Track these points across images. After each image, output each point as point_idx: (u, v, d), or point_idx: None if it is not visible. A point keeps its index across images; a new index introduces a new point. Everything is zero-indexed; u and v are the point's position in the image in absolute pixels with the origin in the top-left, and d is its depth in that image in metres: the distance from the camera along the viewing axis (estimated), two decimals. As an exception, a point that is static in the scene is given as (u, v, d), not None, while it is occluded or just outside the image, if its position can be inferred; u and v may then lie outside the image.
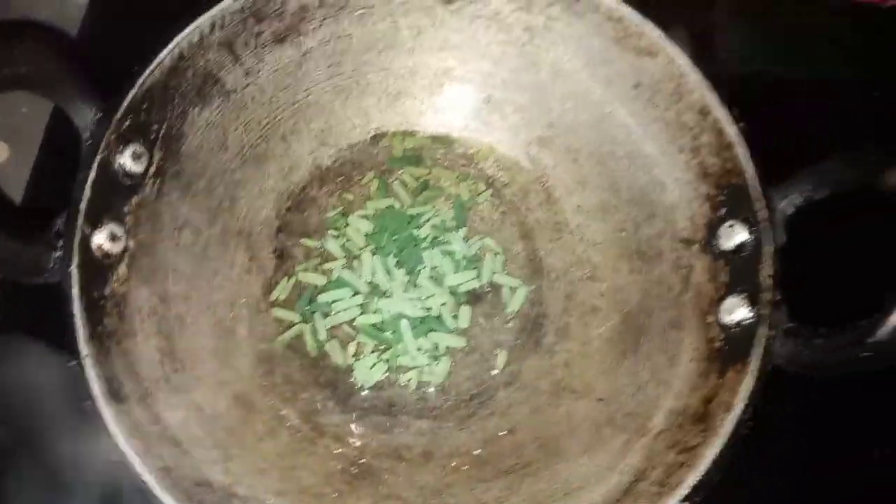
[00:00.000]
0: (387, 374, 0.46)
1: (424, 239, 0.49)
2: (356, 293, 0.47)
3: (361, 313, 0.47)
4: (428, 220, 0.49)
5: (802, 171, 0.36)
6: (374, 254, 0.48)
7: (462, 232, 0.49)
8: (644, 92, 0.44)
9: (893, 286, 0.32)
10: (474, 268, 0.48)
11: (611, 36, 0.43)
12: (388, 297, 0.47)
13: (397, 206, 0.49)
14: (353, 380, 0.46)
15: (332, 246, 0.48)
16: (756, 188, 0.38)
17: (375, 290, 0.47)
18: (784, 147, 0.45)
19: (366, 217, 0.49)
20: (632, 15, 0.42)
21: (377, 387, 0.46)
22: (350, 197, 0.50)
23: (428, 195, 0.50)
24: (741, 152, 0.39)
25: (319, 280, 0.47)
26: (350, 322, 0.47)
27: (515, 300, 0.48)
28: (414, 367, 0.46)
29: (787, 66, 0.61)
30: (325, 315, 0.47)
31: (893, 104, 0.59)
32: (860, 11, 0.64)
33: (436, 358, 0.46)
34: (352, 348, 0.46)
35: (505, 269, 0.49)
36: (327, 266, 0.48)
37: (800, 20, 0.63)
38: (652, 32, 0.41)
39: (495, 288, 0.48)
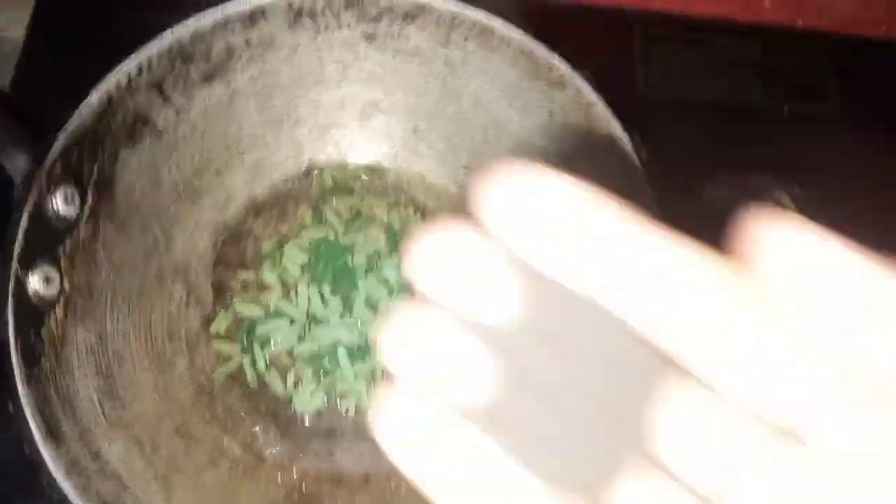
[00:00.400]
0: (326, 401, 0.47)
1: (359, 267, 0.50)
2: (293, 322, 0.49)
3: (299, 342, 0.48)
4: (361, 249, 0.51)
5: (692, 196, 0.39)
6: (309, 283, 0.49)
7: (395, 259, 0.51)
8: (557, 120, 0.46)
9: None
10: (408, 293, 0.50)
11: (524, 68, 0.46)
12: (325, 325, 0.48)
13: (331, 236, 0.51)
14: (293, 408, 0.47)
15: (269, 277, 0.50)
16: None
17: (312, 319, 0.49)
18: (682, 168, 0.48)
19: (301, 247, 0.51)
20: (541, 49, 0.44)
21: (317, 414, 0.47)
22: (284, 228, 0.51)
23: (360, 224, 0.52)
24: (644, 180, 0.42)
25: (257, 311, 0.49)
26: (288, 351, 0.48)
27: None
28: (352, 393, 0.47)
29: (701, 91, 0.65)
30: (264, 345, 0.48)
31: (797, 126, 0.63)
32: (769, 34, 0.68)
33: (374, 382, 0.48)
34: (291, 377, 0.48)
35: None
36: (264, 297, 0.49)
37: (713, 46, 0.67)
38: (560, 65, 0.44)
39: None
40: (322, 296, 0.49)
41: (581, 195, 0.16)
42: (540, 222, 0.16)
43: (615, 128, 0.43)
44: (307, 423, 0.47)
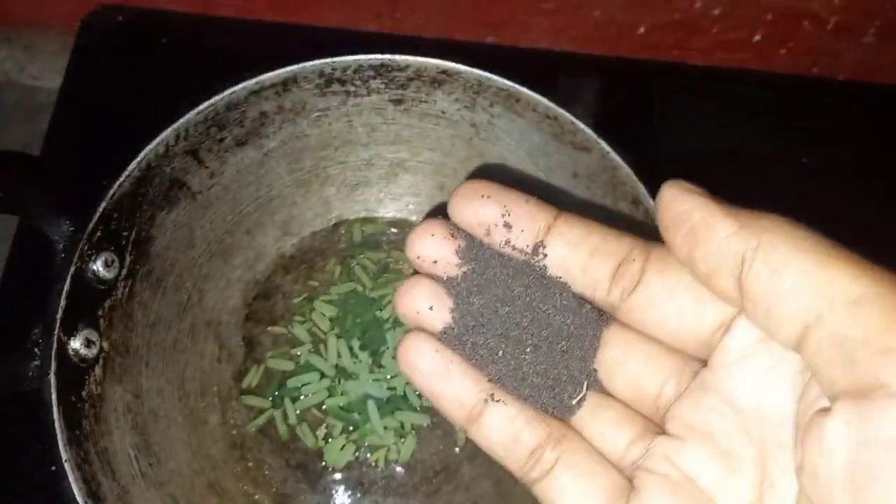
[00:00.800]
0: (356, 455, 0.48)
1: (387, 320, 0.51)
2: (323, 376, 0.49)
3: (329, 396, 0.49)
4: (390, 302, 0.52)
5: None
6: (339, 337, 0.50)
7: None
8: (582, 181, 0.47)
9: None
10: None
11: (549, 132, 0.47)
12: (355, 379, 0.49)
13: (359, 289, 0.52)
14: (323, 462, 0.48)
15: (299, 331, 0.51)
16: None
17: (342, 373, 0.50)
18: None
19: (330, 302, 0.52)
20: (565, 115, 0.45)
21: (347, 467, 0.48)
22: (314, 283, 0.53)
23: (388, 277, 0.53)
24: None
25: (287, 365, 0.50)
26: (318, 405, 0.49)
27: None
28: (381, 446, 0.48)
29: (719, 141, 0.66)
30: (294, 399, 0.49)
31: (816, 174, 0.64)
32: (789, 83, 0.69)
33: (402, 436, 0.48)
34: (321, 431, 0.48)
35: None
36: (294, 351, 0.50)
37: (731, 96, 0.68)
38: (585, 130, 0.45)
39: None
40: (351, 349, 0.50)
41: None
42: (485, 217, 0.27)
43: (640, 191, 0.43)
44: (337, 477, 0.47)
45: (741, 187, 0.62)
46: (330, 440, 0.48)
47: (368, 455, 0.48)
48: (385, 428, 0.48)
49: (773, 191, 0.63)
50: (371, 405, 0.48)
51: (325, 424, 0.49)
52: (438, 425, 0.49)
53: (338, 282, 0.53)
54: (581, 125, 0.45)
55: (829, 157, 0.67)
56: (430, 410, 0.49)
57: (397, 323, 0.51)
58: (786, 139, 0.67)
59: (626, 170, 0.44)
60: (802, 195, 0.63)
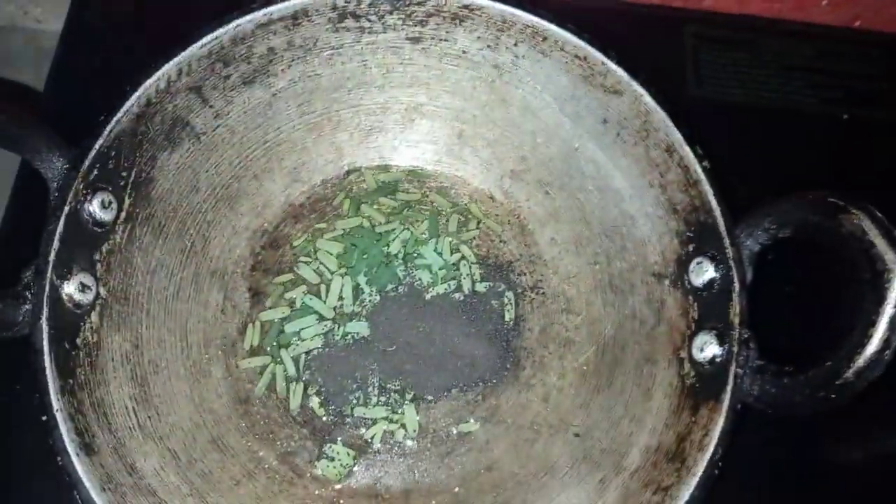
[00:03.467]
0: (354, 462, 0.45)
1: (396, 255, 0.49)
2: (322, 319, 0.47)
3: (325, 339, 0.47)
4: (397, 236, 0.49)
5: (764, 209, 0.37)
6: (344, 275, 0.48)
7: (433, 244, 0.49)
8: (612, 128, 0.44)
9: (857, 326, 0.33)
10: (452, 278, 0.49)
11: (577, 74, 0.44)
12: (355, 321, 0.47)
13: (366, 224, 0.50)
14: (329, 418, 0.46)
15: (305, 271, 0.48)
16: (723, 226, 0.38)
17: (342, 317, 0.47)
18: (751, 178, 0.46)
19: (335, 239, 0.49)
20: (596, 54, 0.42)
21: (355, 425, 0.45)
22: (323, 226, 0.50)
23: (398, 215, 0.50)
24: (707, 190, 0.39)
25: (282, 312, 0.47)
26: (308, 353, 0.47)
27: (509, 307, 0.48)
28: (377, 422, 0.45)
29: (750, 92, 0.62)
30: (290, 345, 0.46)
31: (854, 131, 0.60)
32: (825, 35, 0.65)
33: (396, 410, 0.46)
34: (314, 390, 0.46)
35: (483, 280, 0.49)
36: (289, 295, 0.48)
37: (767, 48, 0.64)
38: (617, 71, 0.42)
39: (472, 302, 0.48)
40: (358, 286, 0.48)
41: None
42: None
43: (676, 138, 0.40)
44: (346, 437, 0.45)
45: (777, 146, 0.59)
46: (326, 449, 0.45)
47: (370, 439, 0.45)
48: (377, 404, 0.46)
49: (811, 150, 0.60)
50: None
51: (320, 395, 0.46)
52: (447, 389, 0.46)
53: (345, 217, 0.50)
54: (613, 65, 0.42)
55: (871, 114, 0.63)
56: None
57: (408, 258, 0.49)
58: (825, 95, 0.63)
59: (660, 114, 0.41)
60: (843, 154, 0.60)
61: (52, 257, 0.37)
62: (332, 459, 0.44)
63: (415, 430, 0.45)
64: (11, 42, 0.79)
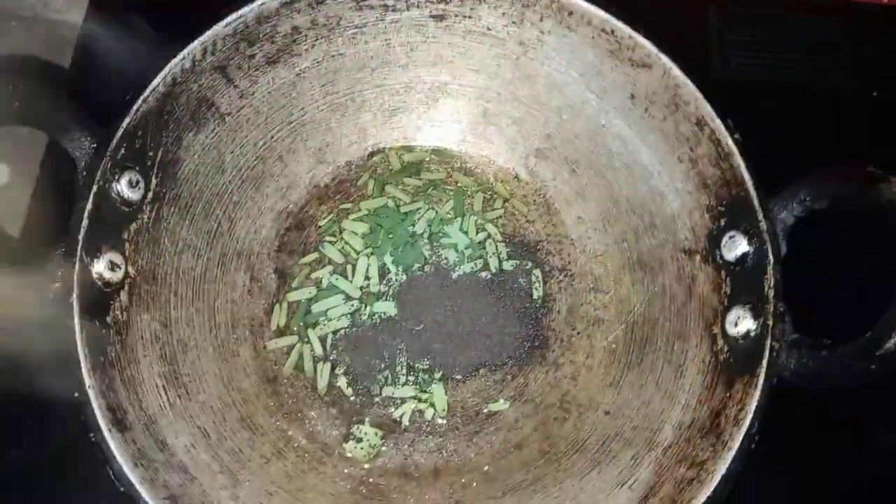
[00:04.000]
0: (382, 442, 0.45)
1: (421, 235, 0.49)
2: (349, 299, 0.47)
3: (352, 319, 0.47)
4: (422, 216, 0.49)
5: (799, 182, 0.36)
6: (370, 255, 0.48)
7: (458, 223, 0.49)
8: (640, 103, 0.44)
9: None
10: (479, 257, 0.48)
11: (604, 48, 0.43)
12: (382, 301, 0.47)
13: (391, 204, 0.49)
14: (358, 398, 0.46)
15: (331, 251, 0.48)
16: (756, 199, 0.38)
17: (369, 297, 0.47)
18: (779, 156, 0.45)
19: (360, 219, 0.49)
20: (624, 27, 0.41)
21: (384, 404, 0.45)
22: (348, 206, 0.50)
23: (423, 194, 0.50)
24: (739, 163, 0.39)
25: (308, 293, 0.47)
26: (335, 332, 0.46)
27: (537, 285, 0.48)
28: (405, 401, 0.45)
29: (775, 71, 0.61)
30: (317, 325, 0.46)
31: (885, 108, 0.59)
32: (852, 12, 0.64)
33: (425, 389, 0.46)
34: (341, 369, 0.46)
35: (510, 258, 0.49)
36: (316, 275, 0.48)
37: (794, 26, 0.63)
38: (646, 45, 0.41)
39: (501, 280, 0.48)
40: (384, 266, 0.48)
41: None
42: None
43: (706, 111, 0.40)
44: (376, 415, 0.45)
45: (804, 124, 0.58)
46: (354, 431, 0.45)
47: (398, 418, 0.45)
48: (406, 383, 0.46)
49: (840, 128, 0.59)
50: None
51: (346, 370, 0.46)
52: (475, 368, 0.46)
53: (370, 197, 0.50)
54: (641, 39, 0.42)
55: (900, 90, 0.61)
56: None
57: (433, 238, 0.48)
58: (853, 72, 0.62)
59: (690, 87, 0.41)
60: (873, 132, 0.59)
61: (81, 235, 0.37)
62: (360, 440, 0.44)
63: (444, 410, 0.45)
64: (34, 33, 0.79)
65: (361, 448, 0.44)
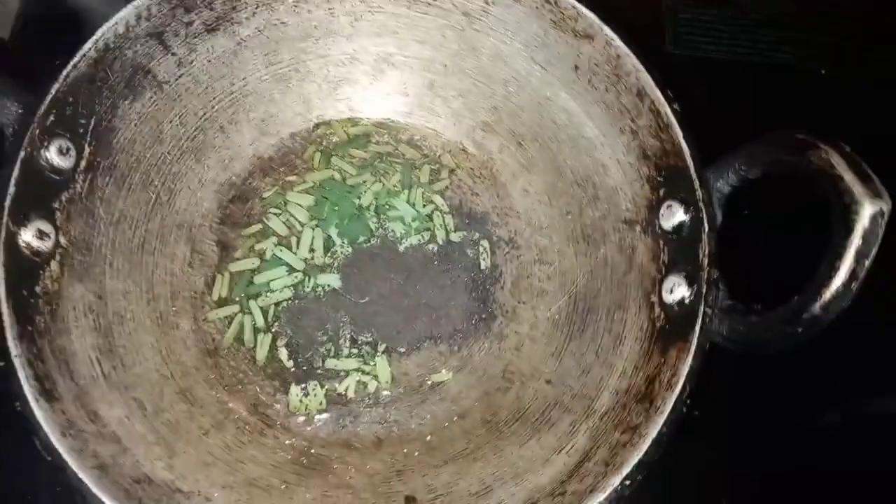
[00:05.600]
0: (325, 399, 0.45)
1: (367, 207, 0.48)
2: (292, 271, 0.47)
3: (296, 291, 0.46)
4: (369, 188, 0.49)
5: (734, 151, 0.36)
6: (315, 227, 0.47)
7: (405, 195, 0.48)
8: (583, 75, 0.44)
9: (825, 259, 0.32)
10: (426, 229, 0.48)
11: (548, 19, 0.43)
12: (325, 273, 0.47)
13: (337, 176, 0.49)
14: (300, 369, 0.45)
15: (275, 223, 0.48)
16: (693, 168, 0.38)
17: (312, 270, 0.47)
18: (725, 132, 0.45)
19: (305, 191, 0.48)
20: (567, -2, 0.41)
21: (327, 377, 0.45)
22: (293, 178, 0.49)
23: (370, 167, 0.50)
24: (678, 133, 0.39)
25: (251, 263, 0.47)
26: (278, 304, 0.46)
27: (485, 255, 0.48)
28: (349, 373, 0.45)
29: (726, 48, 0.61)
30: (258, 296, 0.46)
31: (832, 86, 0.59)
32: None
33: (368, 361, 0.45)
34: (282, 341, 0.45)
35: (457, 229, 0.49)
36: (260, 247, 0.47)
37: (740, 5, 0.63)
38: (588, 15, 0.41)
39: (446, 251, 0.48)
40: (329, 238, 0.47)
41: None
42: None
43: (646, 82, 0.40)
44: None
45: (756, 101, 0.59)
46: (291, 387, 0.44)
47: (343, 392, 0.45)
48: (349, 356, 0.45)
49: (789, 104, 0.60)
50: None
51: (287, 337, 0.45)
52: (420, 341, 0.46)
53: (315, 169, 0.49)
54: (584, 10, 0.41)
55: (849, 69, 0.62)
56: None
57: (380, 211, 0.48)
58: (801, 51, 0.63)
59: (631, 59, 0.41)
60: (821, 109, 0.59)
61: (7, 202, 0.36)
62: (308, 395, 0.44)
63: (387, 382, 0.45)
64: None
65: (308, 402, 0.43)
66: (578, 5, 0.42)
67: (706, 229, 0.37)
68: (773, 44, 0.63)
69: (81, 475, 0.33)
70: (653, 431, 0.35)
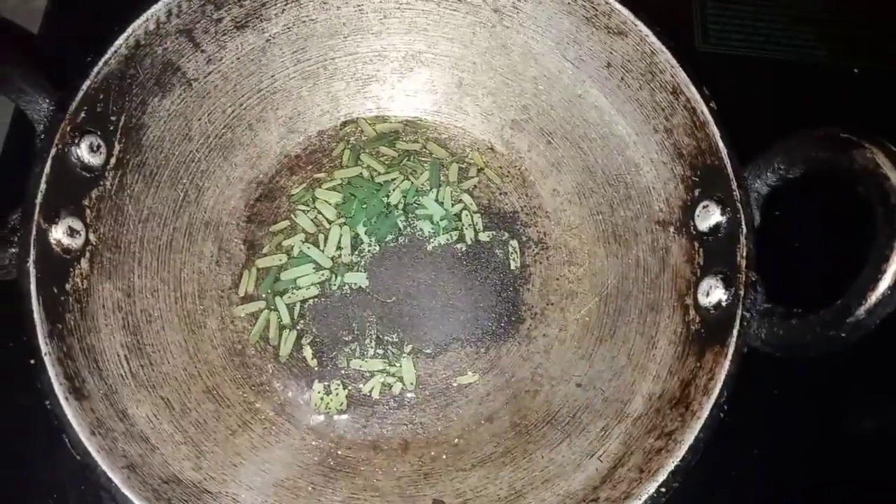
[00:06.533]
0: (348, 396, 0.44)
1: (396, 206, 0.48)
2: (319, 268, 0.46)
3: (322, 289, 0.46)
4: (398, 186, 0.48)
5: (773, 149, 0.36)
6: (342, 225, 0.47)
7: (434, 193, 0.48)
8: (616, 72, 0.43)
9: (869, 262, 0.31)
10: (454, 228, 0.47)
11: (580, 15, 0.42)
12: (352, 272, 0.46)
13: (366, 174, 0.48)
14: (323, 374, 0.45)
15: (303, 220, 0.47)
16: (730, 167, 0.37)
17: (340, 267, 0.46)
18: (759, 131, 0.44)
19: (334, 188, 0.48)
20: (601, -7, 0.41)
21: (352, 378, 0.45)
22: (321, 176, 0.49)
23: (398, 165, 0.49)
24: (714, 131, 0.38)
25: (278, 260, 0.46)
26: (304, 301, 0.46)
27: (514, 255, 0.47)
28: (374, 374, 0.45)
29: (757, 45, 0.60)
30: (285, 293, 0.46)
31: (866, 84, 0.58)
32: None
33: (393, 363, 0.45)
34: (307, 340, 0.45)
35: (486, 229, 0.48)
36: (287, 243, 0.47)
37: (770, 1, 0.62)
38: (622, 11, 0.40)
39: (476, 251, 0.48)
40: (357, 236, 0.47)
41: None
42: None
43: (682, 79, 0.39)
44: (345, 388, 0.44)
45: (785, 99, 0.58)
46: (315, 384, 0.44)
47: (368, 392, 0.44)
48: (374, 356, 0.45)
49: (820, 102, 0.58)
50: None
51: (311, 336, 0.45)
52: (447, 343, 0.46)
53: (345, 166, 0.49)
54: (617, 5, 0.41)
55: (882, 67, 0.61)
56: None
57: (408, 209, 0.48)
58: (834, 47, 0.61)
59: (666, 55, 0.40)
60: (853, 108, 0.58)
61: (38, 200, 0.36)
62: (330, 394, 0.43)
63: (412, 384, 0.44)
64: (8, 1, 0.78)
65: (330, 400, 0.43)
66: (612, 1, 0.41)
67: (744, 231, 0.36)
68: (803, 41, 0.62)
69: (111, 475, 0.33)
70: (689, 438, 0.34)
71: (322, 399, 0.43)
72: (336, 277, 0.46)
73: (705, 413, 0.34)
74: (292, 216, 0.47)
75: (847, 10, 0.63)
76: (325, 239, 0.47)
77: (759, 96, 0.58)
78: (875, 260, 0.31)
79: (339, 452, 0.42)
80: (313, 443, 0.42)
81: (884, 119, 0.57)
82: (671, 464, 0.34)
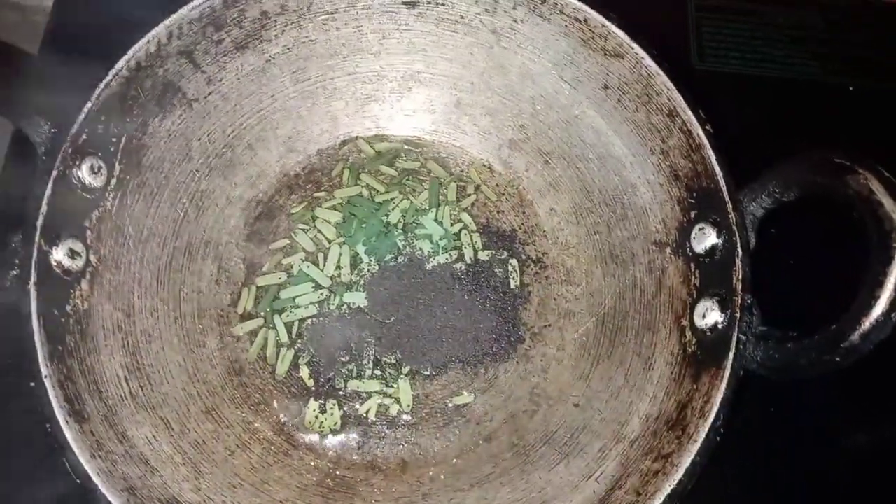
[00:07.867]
0: (341, 416, 0.44)
1: (395, 225, 0.48)
2: (318, 287, 0.46)
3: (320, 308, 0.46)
4: (397, 206, 0.48)
5: (769, 173, 0.36)
6: (342, 244, 0.47)
7: (433, 213, 0.48)
8: (613, 94, 0.43)
9: (864, 288, 0.32)
10: (454, 248, 0.48)
11: (577, 37, 0.43)
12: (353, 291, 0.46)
13: (366, 193, 0.49)
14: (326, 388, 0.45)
15: (303, 239, 0.47)
16: (726, 191, 0.37)
17: (339, 287, 0.46)
18: (754, 149, 0.45)
19: (334, 207, 0.48)
20: (597, 16, 0.41)
21: (349, 398, 0.45)
22: (321, 195, 0.49)
23: (397, 184, 0.49)
24: (710, 154, 0.38)
25: (278, 279, 0.46)
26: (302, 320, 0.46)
27: (514, 275, 0.47)
28: (371, 395, 0.45)
29: (753, 63, 0.61)
30: (283, 312, 0.46)
31: (862, 102, 0.59)
32: (829, 5, 0.64)
33: (390, 383, 0.45)
34: (305, 359, 0.45)
35: (485, 248, 0.48)
36: (287, 261, 0.47)
37: (766, 19, 0.63)
38: (618, 34, 0.41)
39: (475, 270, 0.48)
40: (356, 255, 0.47)
41: None
42: None
43: (678, 102, 0.39)
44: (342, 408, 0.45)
45: (780, 117, 0.58)
46: (310, 403, 0.44)
47: (364, 413, 0.44)
48: (372, 377, 0.45)
49: (816, 122, 0.59)
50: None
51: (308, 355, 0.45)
52: (446, 364, 0.46)
53: (344, 185, 0.49)
54: (614, 28, 0.41)
55: (877, 85, 0.61)
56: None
57: (408, 229, 0.48)
58: (830, 66, 0.62)
59: (662, 78, 0.40)
60: (849, 126, 0.59)
61: (39, 222, 0.36)
62: (325, 412, 0.43)
63: (408, 406, 0.44)
64: (9, 18, 0.78)
65: (324, 419, 0.43)
66: (608, 24, 0.42)
67: (740, 253, 0.37)
68: (799, 58, 0.62)
69: (111, 498, 0.33)
70: (686, 461, 0.34)
71: (316, 418, 0.44)
72: (335, 297, 0.46)
73: (701, 436, 0.34)
74: (292, 235, 0.48)
75: (842, 28, 0.64)
76: (325, 258, 0.47)
77: (755, 114, 0.58)
78: (869, 285, 0.31)
79: (338, 473, 0.42)
80: (311, 463, 0.43)
81: (879, 137, 0.57)
82: (668, 487, 0.34)
